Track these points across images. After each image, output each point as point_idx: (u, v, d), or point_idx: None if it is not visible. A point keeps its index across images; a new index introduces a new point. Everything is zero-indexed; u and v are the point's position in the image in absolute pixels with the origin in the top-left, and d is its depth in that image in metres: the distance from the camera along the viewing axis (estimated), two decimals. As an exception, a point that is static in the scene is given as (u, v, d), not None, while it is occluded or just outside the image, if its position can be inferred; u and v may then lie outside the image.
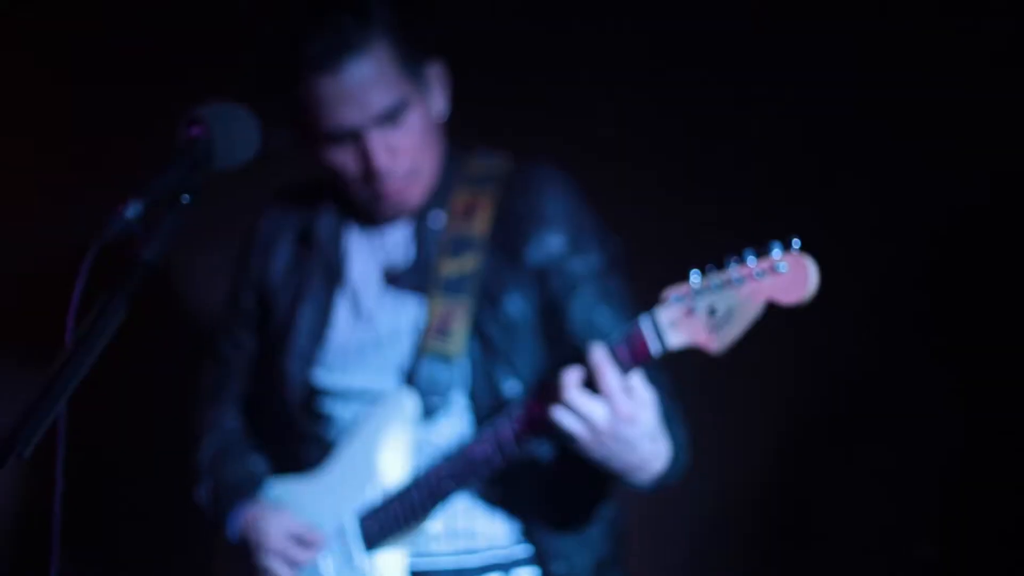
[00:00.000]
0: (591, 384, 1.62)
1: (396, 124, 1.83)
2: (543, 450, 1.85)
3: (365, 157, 1.84)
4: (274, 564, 1.90)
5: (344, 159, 1.86)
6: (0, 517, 3.03)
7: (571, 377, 1.64)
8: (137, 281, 1.02)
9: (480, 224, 1.90)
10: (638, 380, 1.64)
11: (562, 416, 1.63)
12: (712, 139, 2.93)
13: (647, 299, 1.63)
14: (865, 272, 2.87)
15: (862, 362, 2.97)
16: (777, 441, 3.04)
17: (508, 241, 1.89)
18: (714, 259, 1.55)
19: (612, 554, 1.94)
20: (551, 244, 1.87)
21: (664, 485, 1.78)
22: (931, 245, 2.79)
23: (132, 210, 1.07)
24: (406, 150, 1.86)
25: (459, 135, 2.03)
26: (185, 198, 1.15)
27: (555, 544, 1.88)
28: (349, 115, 1.81)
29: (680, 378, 1.87)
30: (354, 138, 1.84)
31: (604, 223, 1.96)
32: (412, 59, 1.87)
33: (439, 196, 1.94)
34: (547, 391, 1.67)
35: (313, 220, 2.03)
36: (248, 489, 2.01)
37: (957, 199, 2.74)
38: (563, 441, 1.67)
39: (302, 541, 1.90)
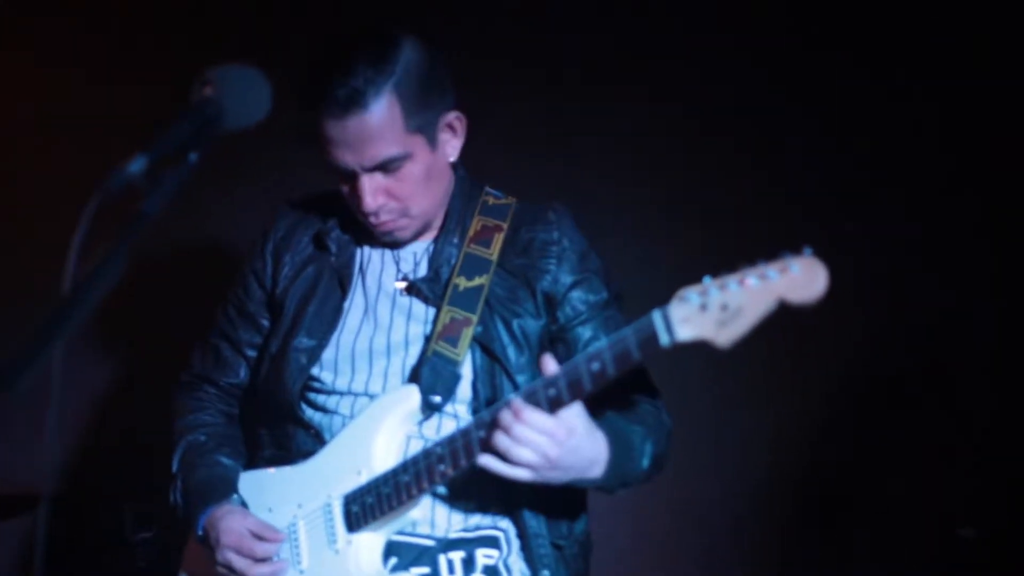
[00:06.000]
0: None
1: (392, 172, 1.91)
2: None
3: (358, 194, 1.92)
4: (230, 557, 1.94)
5: (345, 188, 1.96)
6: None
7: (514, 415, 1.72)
8: (136, 233, 1.05)
9: (494, 249, 2.00)
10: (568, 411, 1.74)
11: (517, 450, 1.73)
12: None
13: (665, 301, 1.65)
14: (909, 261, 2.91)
15: (904, 349, 3.00)
16: (821, 423, 3.08)
17: (519, 267, 1.99)
18: (728, 267, 1.60)
19: (585, 570, 2.03)
20: (562, 277, 1.98)
21: (627, 475, 1.88)
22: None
23: (136, 164, 1.09)
24: (398, 196, 1.94)
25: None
26: (192, 156, 1.17)
27: (540, 554, 1.95)
28: (347, 158, 1.90)
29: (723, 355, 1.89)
30: (352, 175, 1.92)
31: (608, 264, 2.08)
32: (423, 112, 1.92)
33: (456, 222, 2.03)
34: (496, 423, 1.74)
35: (330, 225, 2.09)
36: (215, 489, 2.04)
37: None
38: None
39: (258, 536, 1.94)
